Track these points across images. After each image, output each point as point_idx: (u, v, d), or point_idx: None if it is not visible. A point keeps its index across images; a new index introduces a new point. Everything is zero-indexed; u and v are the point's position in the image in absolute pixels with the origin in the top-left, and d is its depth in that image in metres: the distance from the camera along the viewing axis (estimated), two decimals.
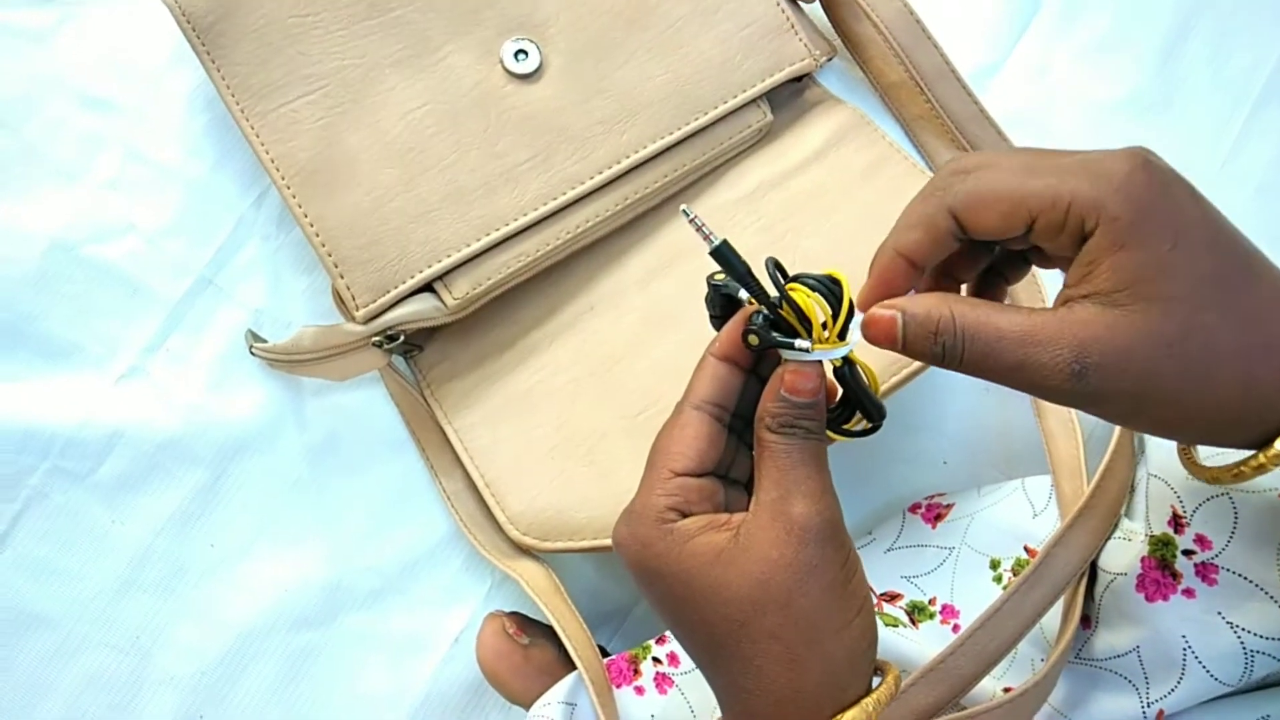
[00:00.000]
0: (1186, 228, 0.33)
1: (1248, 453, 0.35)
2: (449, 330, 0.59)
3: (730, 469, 0.38)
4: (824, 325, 0.35)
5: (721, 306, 0.37)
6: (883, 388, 0.55)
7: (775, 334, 0.35)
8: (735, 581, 0.33)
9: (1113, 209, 0.32)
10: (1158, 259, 0.32)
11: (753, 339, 0.36)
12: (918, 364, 0.55)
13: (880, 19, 0.62)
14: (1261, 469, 0.34)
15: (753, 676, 0.33)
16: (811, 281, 0.35)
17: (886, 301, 0.35)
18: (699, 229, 0.35)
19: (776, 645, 0.33)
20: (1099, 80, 0.67)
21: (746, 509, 0.35)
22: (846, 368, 0.36)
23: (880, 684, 0.35)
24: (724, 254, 0.35)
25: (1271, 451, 0.33)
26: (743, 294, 0.36)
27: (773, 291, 0.35)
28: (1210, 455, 0.39)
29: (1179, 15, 0.67)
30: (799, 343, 0.35)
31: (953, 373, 0.60)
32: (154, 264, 0.61)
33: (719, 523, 0.34)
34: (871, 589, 0.56)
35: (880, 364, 0.55)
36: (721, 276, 0.37)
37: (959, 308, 0.34)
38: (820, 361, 0.35)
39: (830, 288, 0.35)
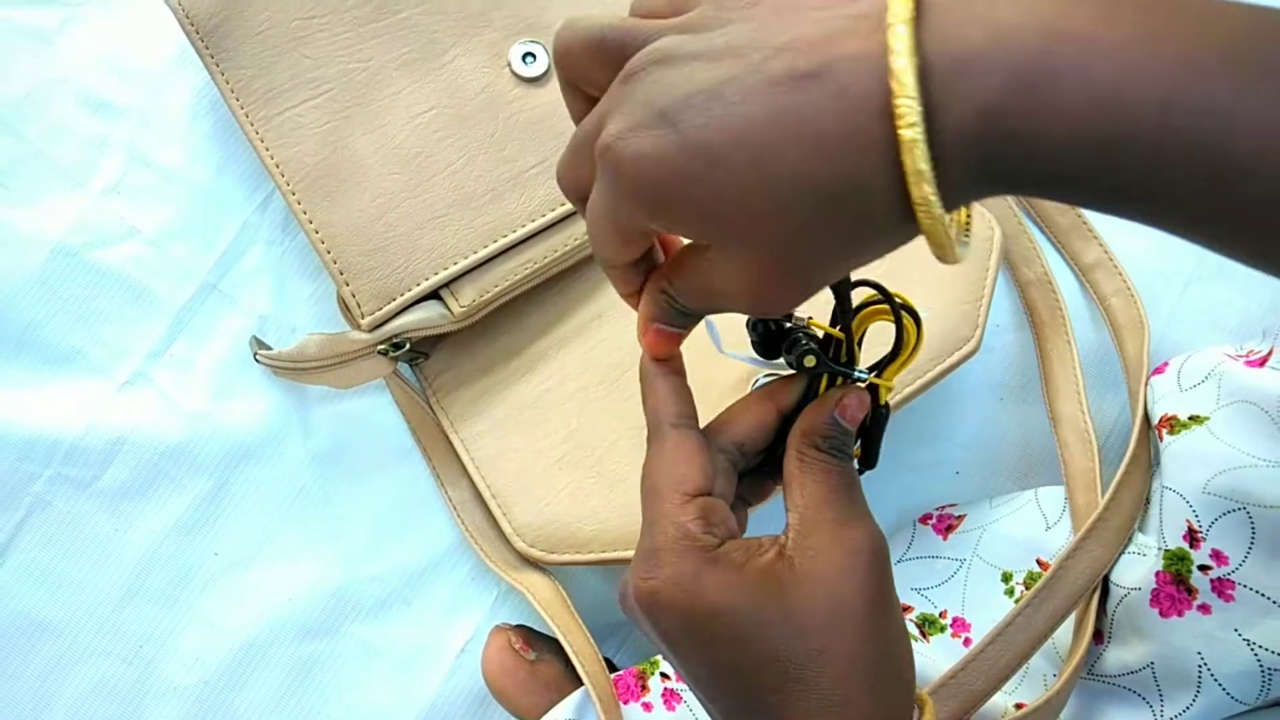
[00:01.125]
0: None
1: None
2: (455, 338, 0.59)
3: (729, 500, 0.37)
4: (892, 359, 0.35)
5: (763, 331, 0.36)
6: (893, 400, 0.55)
7: (833, 361, 0.35)
8: (811, 605, 0.31)
9: None
10: None
11: (809, 360, 0.35)
12: (947, 362, 0.55)
13: None
14: None
15: (837, 708, 0.31)
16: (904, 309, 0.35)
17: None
18: None
19: (854, 667, 0.31)
20: None
21: (740, 527, 0.35)
22: (886, 408, 0.36)
23: (922, 715, 0.35)
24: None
25: None
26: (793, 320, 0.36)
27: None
28: None
29: None
30: (859, 371, 0.35)
31: (964, 378, 0.60)
32: (158, 269, 0.61)
33: (757, 547, 0.32)
34: None
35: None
36: None
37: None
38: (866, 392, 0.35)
39: (915, 318, 0.35)
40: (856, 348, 0.35)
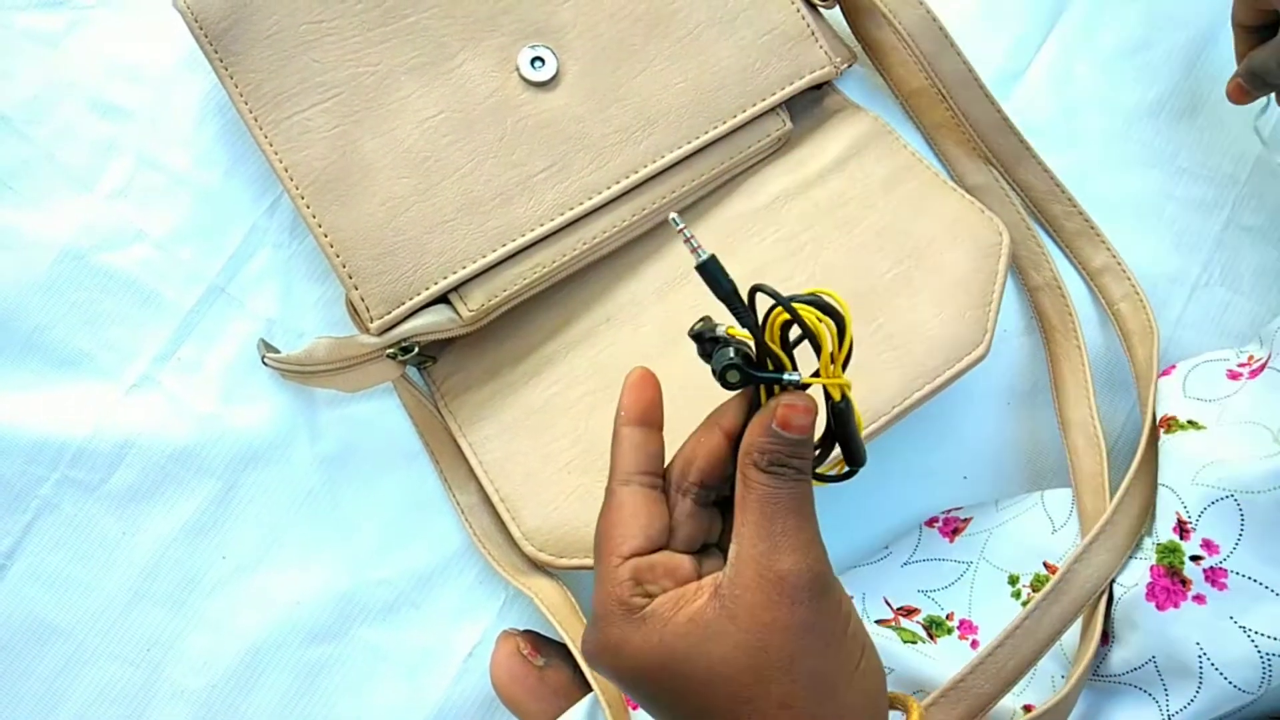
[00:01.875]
0: None
1: None
2: (464, 342, 0.59)
3: (708, 536, 0.36)
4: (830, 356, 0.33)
5: (710, 353, 0.35)
6: (887, 417, 0.54)
7: (757, 370, 0.33)
8: (731, 654, 0.31)
9: None
10: None
11: (733, 375, 0.33)
12: (956, 368, 0.55)
13: (902, 25, 0.62)
14: None
15: None
16: (807, 304, 0.32)
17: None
18: (687, 240, 0.33)
19: (788, 714, 0.31)
20: (1124, 86, 0.67)
21: (699, 574, 0.34)
22: (844, 403, 0.34)
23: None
24: (711, 270, 0.33)
25: None
26: (720, 330, 0.34)
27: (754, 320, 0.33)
28: None
29: (1205, 18, 0.67)
30: (789, 375, 0.33)
31: (973, 383, 0.60)
32: (165, 272, 0.62)
33: (690, 594, 0.32)
34: (888, 603, 0.57)
35: (890, 392, 0.55)
36: (700, 324, 0.35)
37: None
38: (811, 395, 0.33)
39: (828, 310, 0.32)
40: (783, 351, 0.33)
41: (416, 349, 0.56)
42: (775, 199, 0.61)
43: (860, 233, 0.59)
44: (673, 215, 0.34)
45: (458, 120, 0.57)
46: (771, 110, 0.61)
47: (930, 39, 0.62)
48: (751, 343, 0.34)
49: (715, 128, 0.59)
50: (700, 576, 0.34)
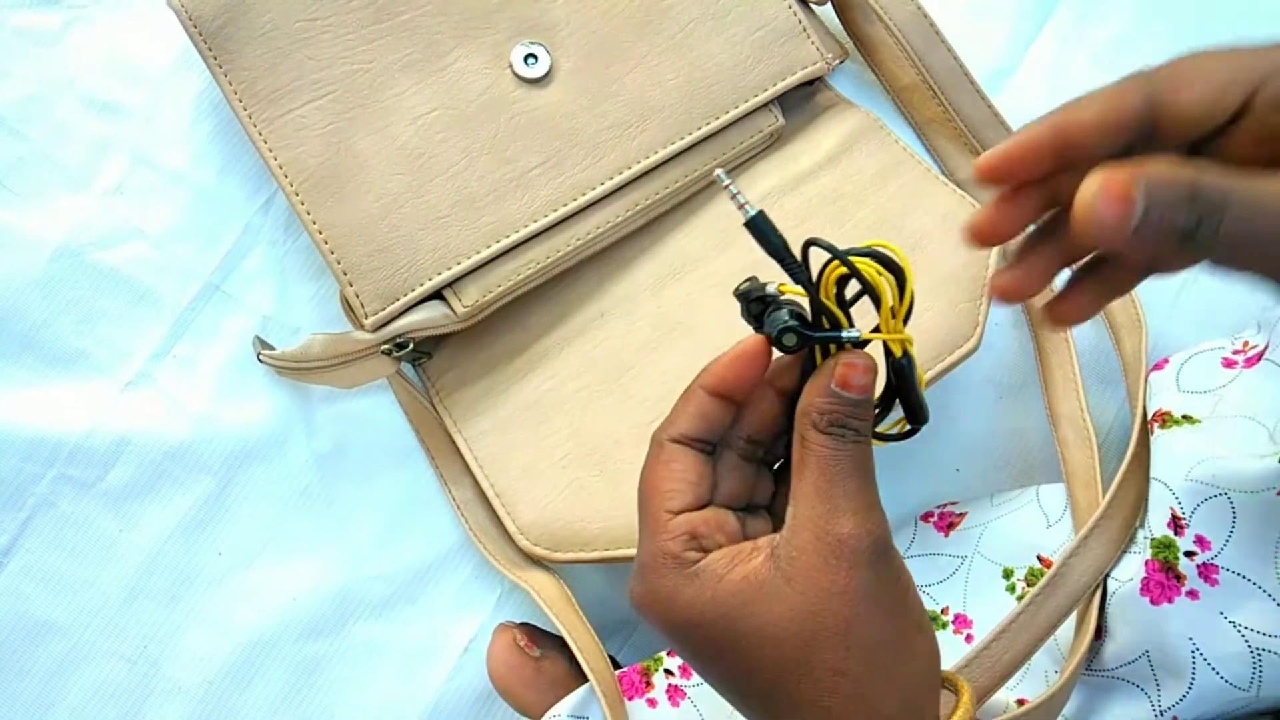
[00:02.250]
0: None
1: None
2: (458, 337, 0.59)
3: (753, 496, 0.36)
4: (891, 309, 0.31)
5: (758, 315, 0.33)
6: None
7: (813, 329, 0.32)
8: (784, 616, 0.30)
9: None
10: None
11: (789, 339, 0.32)
12: (948, 361, 0.55)
13: (893, 21, 0.62)
14: None
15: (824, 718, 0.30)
16: (863, 257, 0.31)
17: (1108, 165, 0.27)
18: (734, 197, 0.32)
19: (844, 681, 0.30)
20: (1116, 79, 0.67)
21: (745, 535, 0.33)
22: (905, 359, 0.33)
23: (956, 704, 0.33)
24: (760, 226, 0.32)
25: None
26: (770, 289, 0.33)
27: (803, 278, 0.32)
28: None
29: (1197, 13, 0.68)
30: (847, 333, 0.32)
31: (964, 376, 0.60)
32: (161, 270, 0.62)
33: (745, 552, 0.31)
34: None
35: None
36: (746, 284, 0.33)
37: (1203, 168, 0.26)
38: (869, 353, 0.32)
39: (887, 263, 0.31)
40: (838, 308, 0.32)
41: (411, 345, 0.56)
42: (768, 194, 0.61)
43: (852, 227, 0.60)
44: (719, 172, 0.33)
45: (452, 117, 0.58)
46: (764, 106, 0.61)
47: (921, 35, 0.62)
48: (803, 301, 0.33)
49: (708, 124, 0.59)
50: (746, 537, 0.34)
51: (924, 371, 0.54)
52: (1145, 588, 0.48)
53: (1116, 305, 0.61)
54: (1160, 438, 0.52)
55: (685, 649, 0.33)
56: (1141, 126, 0.29)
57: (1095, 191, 0.26)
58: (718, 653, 0.31)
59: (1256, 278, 0.28)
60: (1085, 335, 0.62)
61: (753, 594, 0.31)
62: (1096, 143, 0.29)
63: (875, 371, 0.32)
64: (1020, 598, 0.52)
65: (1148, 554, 0.49)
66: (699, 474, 0.33)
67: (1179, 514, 0.48)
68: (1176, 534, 0.48)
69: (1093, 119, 0.29)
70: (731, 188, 0.32)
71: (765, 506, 0.37)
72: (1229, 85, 0.28)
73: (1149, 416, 0.54)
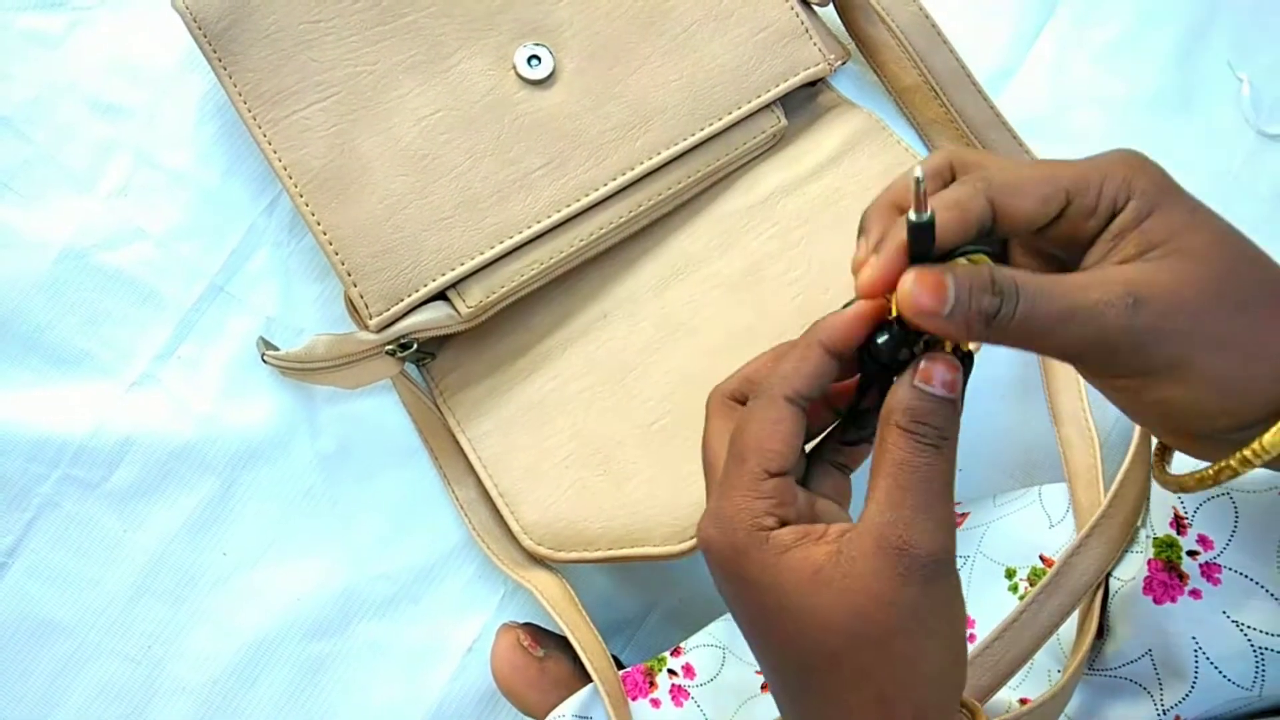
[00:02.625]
0: (1196, 200, 0.33)
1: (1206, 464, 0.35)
2: (462, 338, 0.59)
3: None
4: None
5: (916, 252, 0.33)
6: None
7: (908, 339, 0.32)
8: (832, 607, 0.31)
9: (1142, 183, 0.32)
10: (1184, 219, 0.32)
11: (882, 340, 0.33)
12: None
13: (895, 22, 0.62)
14: (1247, 463, 0.33)
15: (839, 712, 0.32)
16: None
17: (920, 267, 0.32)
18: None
19: (869, 685, 0.31)
20: (1116, 81, 0.67)
21: (813, 513, 0.34)
22: (970, 359, 0.34)
23: None
24: (926, 231, 0.31)
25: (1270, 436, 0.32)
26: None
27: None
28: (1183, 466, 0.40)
29: (1197, 14, 0.68)
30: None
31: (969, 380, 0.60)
32: (165, 271, 0.62)
33: (815, 535, 0.32)
34: None
35: None
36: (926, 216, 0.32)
37: (996, 267, 0.32)
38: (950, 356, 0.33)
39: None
40: None
41: (415, 345, 0.57)
42: (770, 195, 0.61)
43: (855, 227, 0.59)
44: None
45: (455, 118, 0.58)
46: (766, 107, 0.61)
47: (923, 36, 0.63)
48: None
49: (710, 124, 0.60)
50: (810, 513, 0.35)
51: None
52: (1148, 587, 0.48)
53: None
54: None
55: (736, 602, 0.34)
56: (985, 224, 0.33)
57: (912, 282, 0.31)
58: (762, 616, 0.33)
59: (1061, 358, 0.32)
60: None
61: (809, 578, 0.31)
62: (954, 238, 0.32)
63: (958, 371, 0.33)
64: (1022, 597, 0.53)
65: (1150, 553, 0.49)
66: (799, 436, 0.34)
67: (1181, 513, 0.48)
68: (1179, 533, 0.48)
69: (950, 220, 0.32)
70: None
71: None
72: (1050, 197, 0.32)
73: None
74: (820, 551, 0.32)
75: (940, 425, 0.32)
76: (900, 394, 0.32)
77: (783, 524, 0.33)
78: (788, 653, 0.32)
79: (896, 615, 0.31)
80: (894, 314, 0.33)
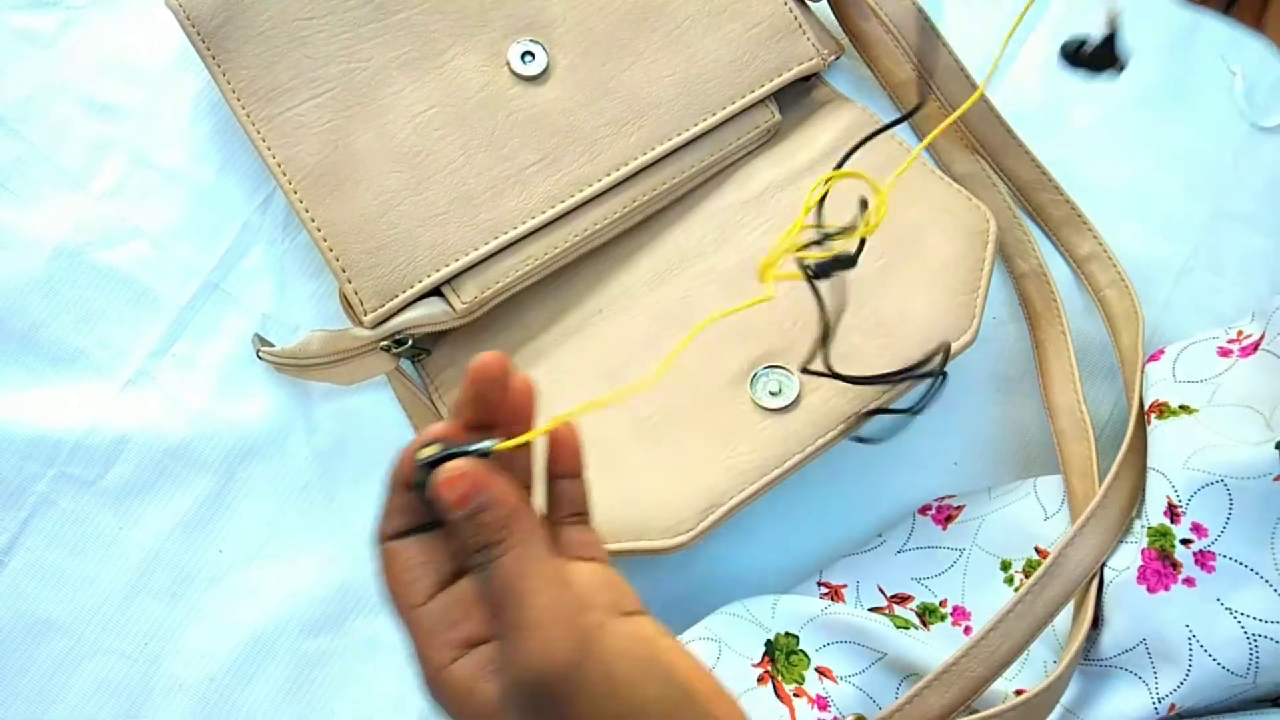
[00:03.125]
0: None
1: None
2: (457, 334, 0.60)
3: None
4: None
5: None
6: (878, 403, 0.56)
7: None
8: None
9: None
10: None
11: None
12: (929, 367, 0.56)
13: (888, 17, 0.63)
14: None
15: None
16: None
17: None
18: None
19: None
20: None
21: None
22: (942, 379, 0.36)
23: None
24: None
25: None
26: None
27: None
28: None
29: (1190, 6, 0.68)
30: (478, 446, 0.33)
31: (961, 369, 0.61)
32: (160, 269, 0.62)
33: (487, 669, 0.32)
34: (882, 591, 0.57)
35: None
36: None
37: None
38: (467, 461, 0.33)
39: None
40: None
41: (410, 342, 0.57)
42: (765, 189, 0.62)
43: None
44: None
45: (449, 115, 0.58)
46: (760, 102, 0.62)
47: (917, 30, 0.63)
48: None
49: (704, 120, 0.60)
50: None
51: (923, 366, 0.55)
52: (1142, 576, 0.49)
53: (1114, 298, 0.62)
54: (1157, 428, 0.53)
55: None
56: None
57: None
58: None
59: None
60: (1081, 328, 0.63)
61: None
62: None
63: (464, 475, 0.32)
64: (1018, 589, 0.53)
65: (1144, 543, 0.50)
66: (420, 565, 0.35)
67: (1175, 502, 0.49)
68: (1173, 522, 0.48)
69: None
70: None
71: None
72: None
73: (1145, 407, 0.55)
74: (487, 691, 0.32)
75: (491, 534, 0.32)
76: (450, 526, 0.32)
77: (455, 659, 0.33)
78: None
79: (622, 709, 0.31)
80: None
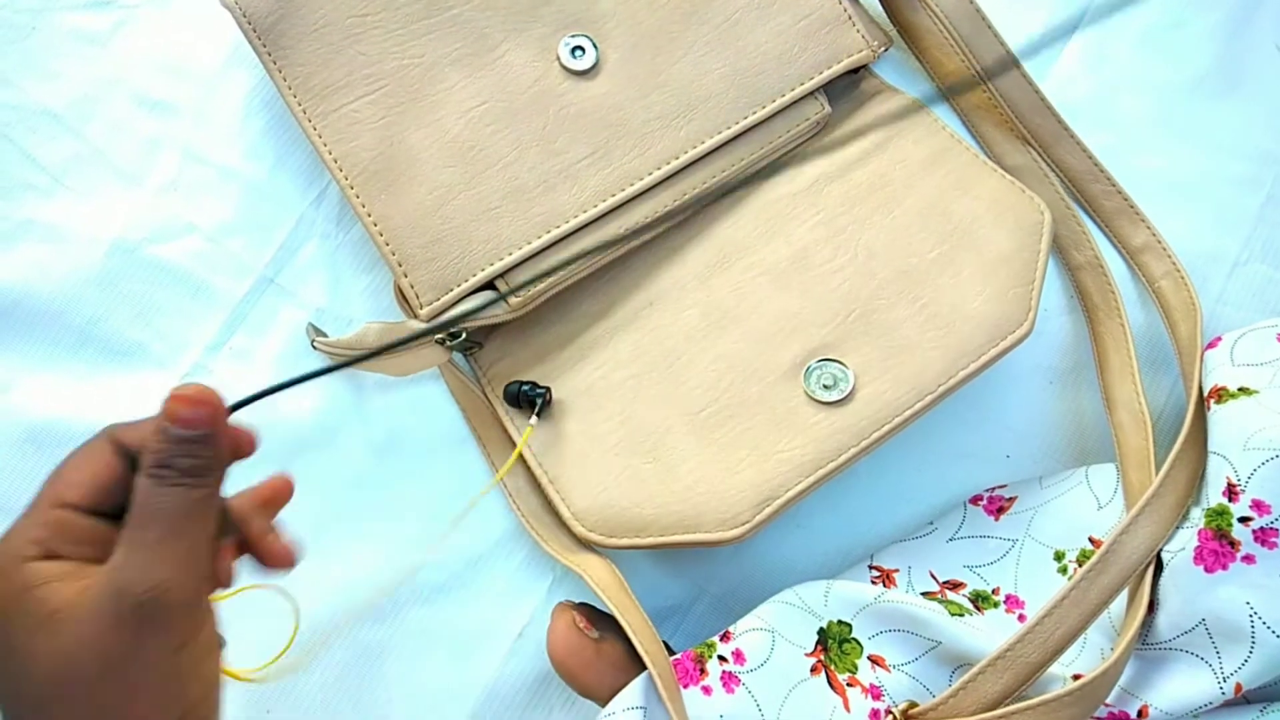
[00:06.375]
0: None
1: None
2: (509, 327, 0.63)
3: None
4: None
5: None
6: (932, 395, 0.58)
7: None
8: (45, 654, 0.30)
9: None
10: None
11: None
12: (1000, 346, 0.58)
13: (938, 8, 0.65)
14: None
15: None
16: None
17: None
18: None
19: None
20: (1162, 64, 0.70)
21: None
22: None
23: None
24: None
25: None
26: None
27: None
28: None
29: None
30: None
31: (1016, 363, 0.63)
32: (216, 264, 0.66)
33: (83, 575, 0.31)
34: (934, 576, 0.60)
35: (934, 370, 0.58)
36: None
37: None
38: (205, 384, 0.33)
39: None
40: None
41: (463, 334, 0.60)
42: (815, 181, 0.64)
43: (901, 214, 0.62)
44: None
45: (501, 110, 0.61)
46: (810, 94, 0.64)
47: (967, 21, 0.65)
48: None
49: (754, 113, 0.63)
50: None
51: (966, 364, 0.57)
52: (1198, 557, 0.51)
53: (1169, 289, 0.64)
54: (1216, 412, 0.54)
55: None
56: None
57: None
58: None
59: None
60: (1136, 320, 0.65)
61: (45, 617, 0.30)
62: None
63: (213, 407, 0.33)
64: (1072, 578, 0.55)
65: (1201, 523, 0.52)
66: (113, 476, 0.35)
67: (1234, 481, 0.51)
68: (1231, 500, 0.50)
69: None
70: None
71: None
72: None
73: (1204, 394, 0.57)
74: (70, 590, 0.30)
75: (187, 464, 0.32)
76: (148, 438, 0.32)
77: (50, 557, 0.31)
78: (5, 700, 0.31)
79: (104, 662, 0.30)
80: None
